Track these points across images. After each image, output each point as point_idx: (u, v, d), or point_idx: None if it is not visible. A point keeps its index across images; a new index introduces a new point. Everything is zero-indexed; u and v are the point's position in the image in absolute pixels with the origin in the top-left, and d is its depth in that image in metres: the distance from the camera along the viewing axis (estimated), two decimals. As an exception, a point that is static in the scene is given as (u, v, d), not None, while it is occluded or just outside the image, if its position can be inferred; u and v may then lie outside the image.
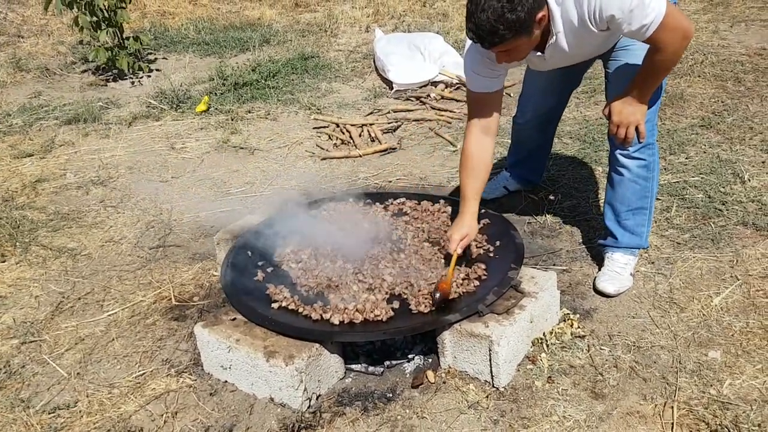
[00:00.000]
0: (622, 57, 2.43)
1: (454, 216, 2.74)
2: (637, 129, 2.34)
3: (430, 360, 2.33)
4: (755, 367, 2.19)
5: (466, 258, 2.49)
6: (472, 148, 2.44)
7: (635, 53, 2.36)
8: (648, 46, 2.18)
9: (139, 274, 2.97)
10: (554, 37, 2.21)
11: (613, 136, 2.41)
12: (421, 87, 4.99)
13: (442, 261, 2.49)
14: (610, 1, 2.06)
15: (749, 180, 3.27)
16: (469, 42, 2.33)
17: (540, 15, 2.09)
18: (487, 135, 2.45)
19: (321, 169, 3.89)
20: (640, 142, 2.40)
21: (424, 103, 4.72)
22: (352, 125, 4.35)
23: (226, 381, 2.29)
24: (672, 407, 2.06)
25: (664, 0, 2.06)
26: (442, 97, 4.77)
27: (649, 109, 2.34)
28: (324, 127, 4.46)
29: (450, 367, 2.27)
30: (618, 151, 2.49)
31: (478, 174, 2.45)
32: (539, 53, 2.29)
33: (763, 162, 3.44)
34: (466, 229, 2.42)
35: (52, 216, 3.52)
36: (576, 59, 2.42)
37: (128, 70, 5.60)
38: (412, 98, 4.84)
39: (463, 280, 2.37)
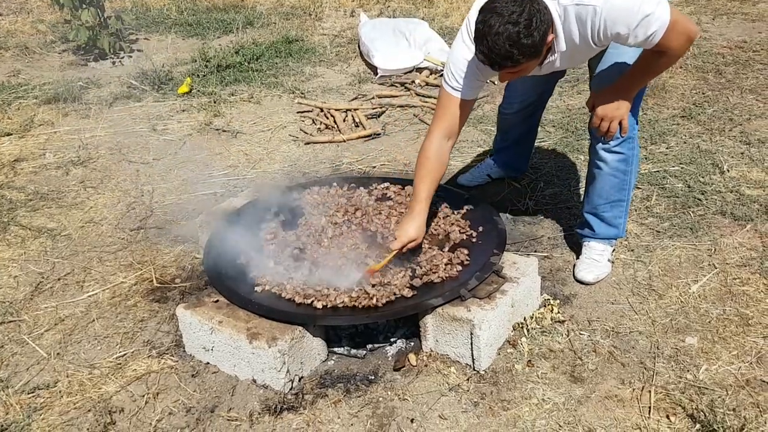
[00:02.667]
0: (609, 48, 2.42)
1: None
2: (620, 123, 2.34)
3: (412, 343, 2.35)
4: (731, 353, 2.23)
5: (449, 242, 2.51)
6: (432, 150, 2.37)
7: (622, 47, 2.34)
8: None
9: (119, 256, 2.95)
10: (553, 56, 2.19)
11: (594, 129, 2.41)
12: (405, 73, 4.97)
13: (426, 245, 2.50)
14: (615, 19, 2.03)
15: (728, 170, 3.32)
16: (458, 44, 2.27)
17: (550, 38, 2.06)
18: (449, 139, 2.39)
19: (304, 154, 3.87)
20: (621, 137, 2.40)
21: (408, 89, 4.71)
22: (336, 110, 4.34)
23: (208, 363, 2.29)
24: (649, 391, 2.09)
25: (667, 7, 2.02)
26: (427, 84, 4.76)
27: (632, 104, 2.34)
28: (308, 111, 4.44)
29: (432, 351, 2.29)
30: (599, 144, 2.48)
31: (434, 176, 2.39)
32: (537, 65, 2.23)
33: (742, 153, 3.50)
34: (413, 232, 2.35)
35: (31, 196, 3.48)
36: (565, 66, 2.40)
37: (109, 50, 5.51)
38: (396, 84, 4.83)
39: (446, 264, 2.39)
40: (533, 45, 1.97)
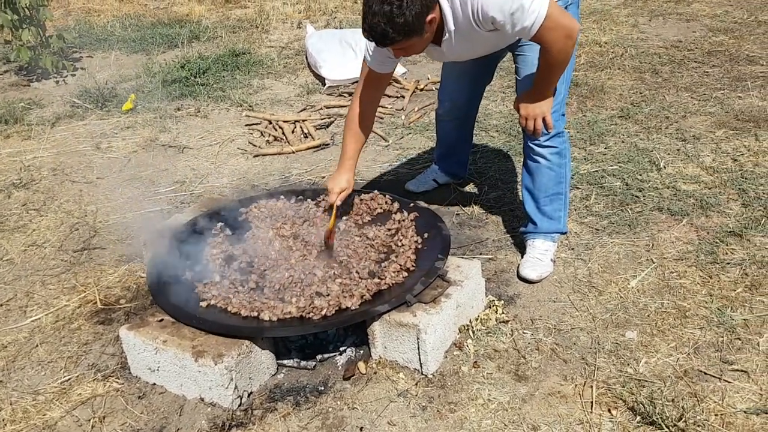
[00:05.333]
0: (527, 52, 2.53)
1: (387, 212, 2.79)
2: (544, 120, 2.46)
3: (361, 351, 2.36)
4: (669, 345, 2.30)
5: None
6: (356, 115, 2.62)
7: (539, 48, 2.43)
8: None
9: (63, 279, 2.90)
10: (447, 35, 2.28)
11: (523, 128, 2.54)
12: (353, 83, 5.00)
13: (373, 253, 2.53)
14: (490, 3, 2.11)
15: (665, 167, 3.43)
16: None
17: (430, 17, 2.13)
18: (371, 105, 2.63)
19: (253, 167, 3.87)
20: (547, 132, 2.53)
21: (355, 99, 4.74)
22: (284, 122, 4.34)
23: (154, 383, 2.27)
24: (591, 386, 2.15)
25: (545, 1, 2.11)
26: (374, 93, 4.79)
27: (555, 101, 2.46)
28: (256, 123, 4.43)
29: (381, 357, 2.30)
30: (531, 141, 2.61)
31: (360, 137, 2.66)
32: (437, 46, 2.36)
33: (677, 150, 3.61)
34: (344, 183, 2.64)
35: (-30, 221, 3.40)
36: (479, 53, 2.50)
37: (52, 69, 5.42)
38: (344, 94, 4.86)
39: (393, 271, 2.41)
40: (406, 23, 2.07)
